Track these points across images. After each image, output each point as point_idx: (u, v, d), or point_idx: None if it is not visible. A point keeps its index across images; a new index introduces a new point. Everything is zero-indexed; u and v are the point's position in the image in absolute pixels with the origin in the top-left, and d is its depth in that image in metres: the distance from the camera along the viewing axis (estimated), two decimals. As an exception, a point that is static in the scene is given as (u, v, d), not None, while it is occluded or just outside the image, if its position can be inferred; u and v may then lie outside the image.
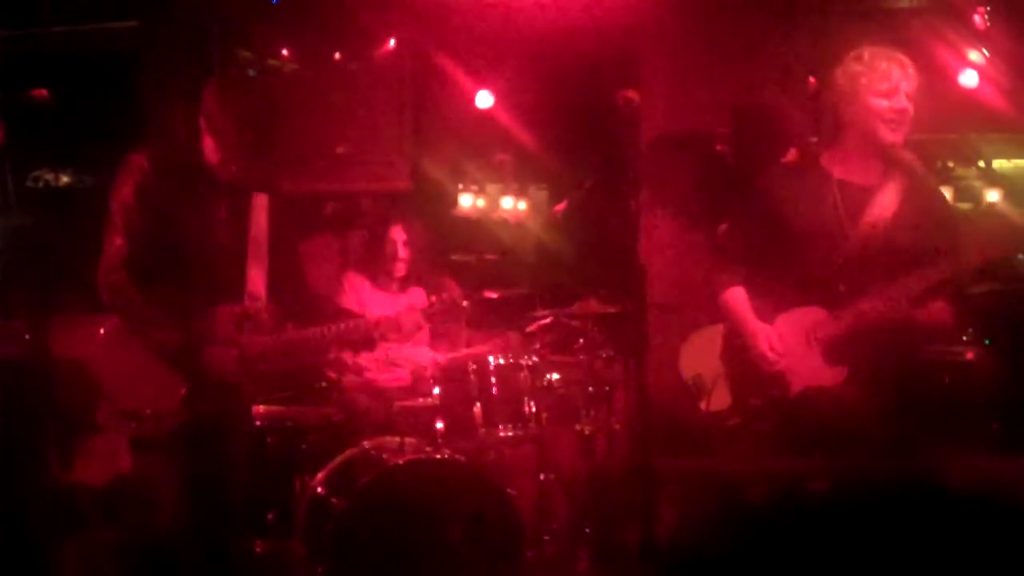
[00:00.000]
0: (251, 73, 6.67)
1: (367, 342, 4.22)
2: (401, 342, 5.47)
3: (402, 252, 5.88)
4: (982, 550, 2.04)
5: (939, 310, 4.02)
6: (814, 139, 5.72)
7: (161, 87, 5.97)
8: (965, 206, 8.32)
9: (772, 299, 4.19)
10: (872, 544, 2.08)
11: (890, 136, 4.00)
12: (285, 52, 7.17)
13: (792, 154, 5.42)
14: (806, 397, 4.11)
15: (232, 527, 4.14)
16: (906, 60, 4.02)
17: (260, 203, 4.02)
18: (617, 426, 5.43)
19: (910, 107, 3.98)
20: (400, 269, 5.91)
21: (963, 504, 2.15)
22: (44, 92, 5.05)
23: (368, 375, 5.64)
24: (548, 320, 5.55)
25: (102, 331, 3.98)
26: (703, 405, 4.49)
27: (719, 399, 4.45)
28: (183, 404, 3.85)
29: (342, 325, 4.11)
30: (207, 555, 3.97)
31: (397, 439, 4.88)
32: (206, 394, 3.88)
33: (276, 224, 4.05)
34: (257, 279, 3.95)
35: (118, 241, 3.86)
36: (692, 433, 5.19)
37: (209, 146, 3.92)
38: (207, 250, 3.92)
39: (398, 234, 5.90)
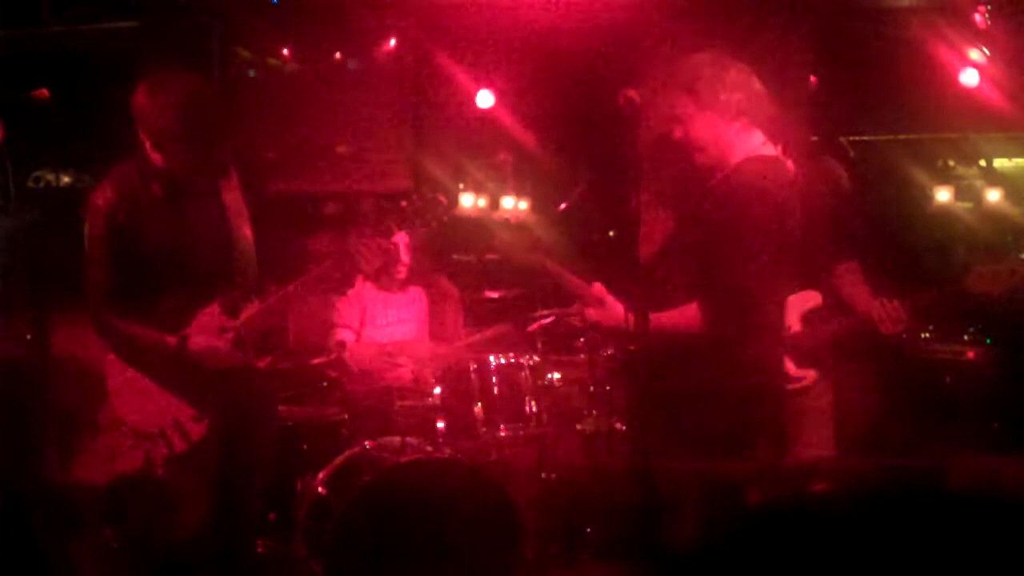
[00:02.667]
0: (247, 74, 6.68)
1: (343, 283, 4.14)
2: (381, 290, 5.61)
3: (404, 256, 5.88)
4: (983, 549, 2.04)
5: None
6: (814, 138, 5.73)
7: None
8: (966, 205, 8.33)
9: None
10: (872, 544, 2.08)
11: None
12: (286, 52, 7.18)
13: None
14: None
15: (250, 530, 4.17)
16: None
17: (234, 196, 4.00)
18: (618, 425, 5.42)
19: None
20: (401, 272, 5.92)
21: (964, 503, 2.15)
22: (45, 92, 5.04)
23: (369, 374, 5.63)
24: (549, 319, 5.54)
25: (111, 357, 4.00)
26: None
27: None
28: (207, 412, 3.87)
29: (318, 270, 4.04)
30: (220, 557, 3.98)
31: (398, 439, 4.88)
32: (229, 396, 3.89)
33: (260, 214, 4.05)
34: (246, 267, 3.96)
35: (100, 278, 3.90)
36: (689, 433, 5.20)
37: (151, 150, 3.91)
38: (188, 253, 3.92)
39: (400, 238, 5.89)
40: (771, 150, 3.72)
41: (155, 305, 3.89)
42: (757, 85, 3.72)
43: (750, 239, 3.54)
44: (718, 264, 3.56)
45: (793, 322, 4.48)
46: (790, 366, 4.46)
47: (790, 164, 3.72)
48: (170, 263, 3.90)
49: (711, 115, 3.67)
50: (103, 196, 3.92)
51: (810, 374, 4.49)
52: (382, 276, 5.91)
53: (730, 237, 3.56)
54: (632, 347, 3.91)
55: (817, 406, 4.53)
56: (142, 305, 3.88)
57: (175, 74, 3.92)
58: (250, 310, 3.91)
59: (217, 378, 3.88)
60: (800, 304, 4.49)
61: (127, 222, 3.88)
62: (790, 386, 4.46)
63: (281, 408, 5.31)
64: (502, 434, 5.16)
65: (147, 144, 3.88)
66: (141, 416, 3.92)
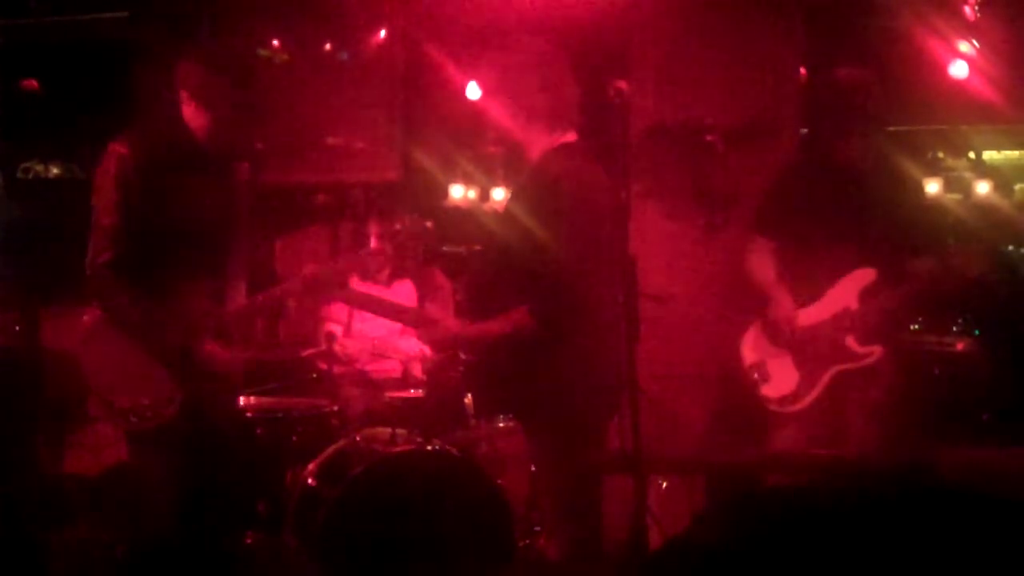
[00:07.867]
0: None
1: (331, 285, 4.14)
2: (367, 281, 5.63)
3: (374, 245, 5.85)
4: (971, 540, 2.05)
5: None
6: (804, 130, 5.74)
7: (151, 78, 5.96)
8: (955, 197, 8.36)
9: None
10: (860, 535, 2.09)
11: None
12: (276, 42, 7.15)
13: None
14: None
15: (227, 518, 4.16)
16: None
17: (244, 176, 4.02)
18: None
19: None
20: (384, 267, 5.89)
21: (953, 495, 2.16)
22: (34, 83, 5.04)
23: (359, 366, 5.63)
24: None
25: (87, 326, 3.98)
26: (766, 391, 4.59)
27: (782, 384, 4.57)
28: (179, 395, 3.87)
29: (305, 272, 4.01)
30: (201, 547, 3.98)
31: (388, 430, 4.87)
32: (198, 382, 3.89)
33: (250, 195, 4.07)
34: (244, 249, 3.96)
35: (105, 222, 3.86)
36: (680, 424, 5.21)
37: (195, 119, 3.90)
38: (197, 227, 3.92)
39: (372, 228, 5.91)
40: (572, 139, 3.83)
41: (149, 271, 3.88)
42: (564, 79, 3.95)
43: (560, 231, 3.57)
44: (536, 260, 3.58)
45: (851, 300, 4.51)
46: (854, 344, 4.49)
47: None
48: (170, 232, 3.89)
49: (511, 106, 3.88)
50: (123, 143, 3.90)
51: (876, 350, 4.52)
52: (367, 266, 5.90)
53: (541, 231, 3.59)
54: (467, 357, 3.97)
55: (887, 383, 4.56)
56: (137, 267, 3.87)
57: (231, 48, 3.95)
58: (235, 300, 3.91)
59: (193, 363, 3.88)
60: (857, 282, 4.52)
61: (141, 186, 3.86)
62: (857, 364, 4.50)
63: (271, 400, 5.32)
64: (492, 425, 5.16)
65: (187, 111, 3.87)
66: (111, 389, 3.91)
